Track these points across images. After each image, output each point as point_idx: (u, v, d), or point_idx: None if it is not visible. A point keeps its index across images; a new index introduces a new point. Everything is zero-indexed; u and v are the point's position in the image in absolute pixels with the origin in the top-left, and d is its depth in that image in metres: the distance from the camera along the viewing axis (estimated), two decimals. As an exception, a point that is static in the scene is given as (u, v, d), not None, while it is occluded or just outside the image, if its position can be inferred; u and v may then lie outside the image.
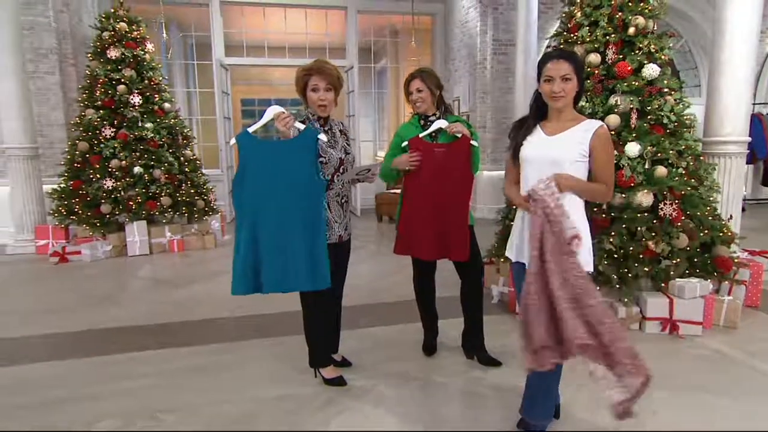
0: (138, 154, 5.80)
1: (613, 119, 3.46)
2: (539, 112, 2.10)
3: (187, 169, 6.20)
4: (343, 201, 2.61)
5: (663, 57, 3.53)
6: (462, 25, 8.28)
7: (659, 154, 3.41)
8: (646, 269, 3.29)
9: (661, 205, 3.35)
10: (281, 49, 9.13)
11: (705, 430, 2.22)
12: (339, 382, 2.66)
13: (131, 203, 5.72)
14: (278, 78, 12.07)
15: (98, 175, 5.70)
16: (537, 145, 2.05)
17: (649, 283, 3.46)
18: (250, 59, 9.07)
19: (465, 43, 8.21)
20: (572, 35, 3.73)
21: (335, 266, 2.54)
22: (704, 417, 2.35)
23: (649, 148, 3.39)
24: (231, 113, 8.38)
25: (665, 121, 3.43)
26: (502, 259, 3.91)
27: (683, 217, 3.37)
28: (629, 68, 3.47)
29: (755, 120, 7.78)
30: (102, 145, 5.74)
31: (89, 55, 5.99)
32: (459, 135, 2.67)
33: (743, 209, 8.08)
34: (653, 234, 3.32)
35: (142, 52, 6.03)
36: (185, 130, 6.42)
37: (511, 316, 3.63)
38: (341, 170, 2.54)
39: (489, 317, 3.47)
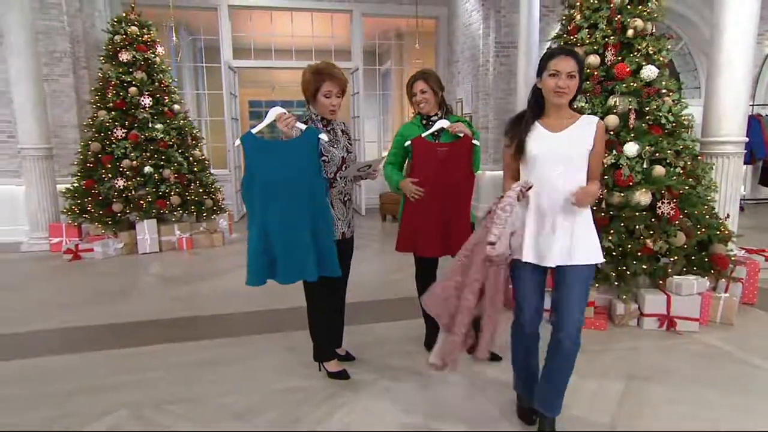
0: (148, 154, 5.84)
1: (612, 120, 3.46)
2: (537, 109, 2.07)
3: (195, 169, 6.24)
4: (345, 199, 2.63)
5: (661, 59, 3.53)
6: (465, 27, 8.28)
7: (657, 154, 3.42)
8: (644, 267, 3.29)
9: (659, 204, 3.35)
10: (288, 52, 9.17)
11: (700, 431, 2.21)
12: (342, 375, 2.69)
13: (142, 202, 5.77)
14: (285, 80, 12.13)
15: (110, 175, 5.75)
16: (545, 142, 2.00)
17: (647, 281, 3.47)
18: (258, 62, 9.11)
19: (468, 45, 8.22)
20: (572, 37, 3.73)
21: (339, 263, 2.57)
22: (700, 411, 2.36)
23: (647, 148, 3.40)
24: (239, 114, 8.42)
25: (663, 121, 3.44)
26: (503, 257, 3.91)
27: (681, 216, 3.38)
28: (628, 70, 3.47)
29: (754, 121, 7.74)
30: (114, 146, 5.79)
31: (101, 58, 6.04)
32: (461, 134, 2.68)
33: (742, 209, 8.06)
34: (651, 232, 3.32)
35: (153, 55, 6.06)
36: (194, 131, 6.46)
37: (512, 313, 3.63)
38: (343, 169, 2.57)
39: (490, 313, 3.49)
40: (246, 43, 8.89)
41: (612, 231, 3.35)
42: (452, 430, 2.23)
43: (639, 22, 3.47)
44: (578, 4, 3.73)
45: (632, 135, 3.44)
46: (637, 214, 3.34)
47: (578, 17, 3.70)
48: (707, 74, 4.14)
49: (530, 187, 1.98)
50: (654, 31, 3.64)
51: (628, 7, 3.54)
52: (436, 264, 2.96)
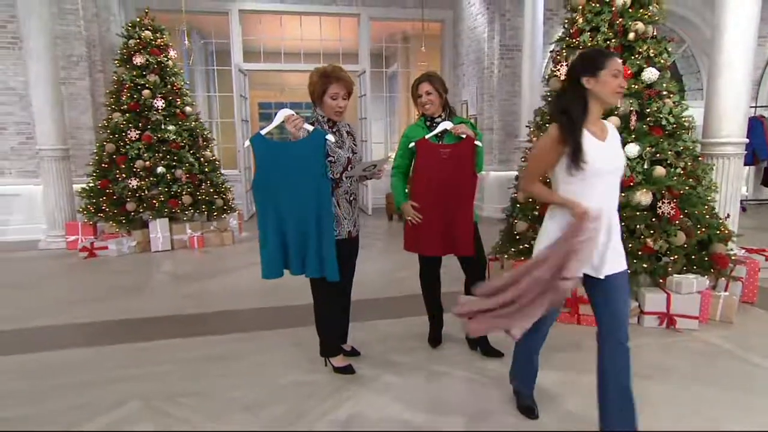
0: (161, 155, 5.91)
1: (614, 121, 3.45)
2: (586, 112, 1.88)
3: (206, 170, 6.29)
4: (351, 198, 2.65)
5: (662, 61, 3.52)
6: (470, 31, 8.28)
7: (658, 155, 3.41)
8: (644, 265, 3.29)
9: (660, 204, 3.34)
10: (296, 55, 9.21)
11: (699, 430, 2.21)
12: (348, 370, 2.71)
13: (154, 201, 5.83)
14: (294, 83, 12.17)
15: (124, 175, 5.82)
16: (600, 153, 1.86)
17: (648, 279, 3.46)
18: (267, 64, 9.17)
19: (473, 48, 8.22)
20: (574, 40, 3.73)
21: (345, 261, 2.59)
22: (699, 409, 2.35)
23: (648, 148, 3.39)
24: (249, 116, 8.48)
25: (664, 122, 3.43)
26: (506, 256, 3.92)
27: (681, 216, 3.37)
28: (629, 72, 3.46)
29: (757, 122, 7.68)
30: (127, 147, 5.85)
31: (116, 61, 6.12)
32: (464, 136, 2.70)
33: (743, 209, 7.99)
34: (652, 231, 3.31)
35: (166, 59, 6.13)
36: (205, 133, 6.52)
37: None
38: (349, 169, 2.59)
39: (492, 311, 3.50)
40: (256, 47, 8.94)
41: (613, 230, 3.34)
42: (454, 427, 2.24)
43: (640, 26, 3.47)
44: (580, 7, 3.72)
45: (633, 136, 3.43)
46: (637, 213, 3.33)
47: (580, 20, 3.69)
48: (708, 76, 4.11)
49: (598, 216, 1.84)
50: (655, 34, 3.64)
51: (630, 10, 3.53)
52: (439, 263, 2.98)
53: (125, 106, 5.90)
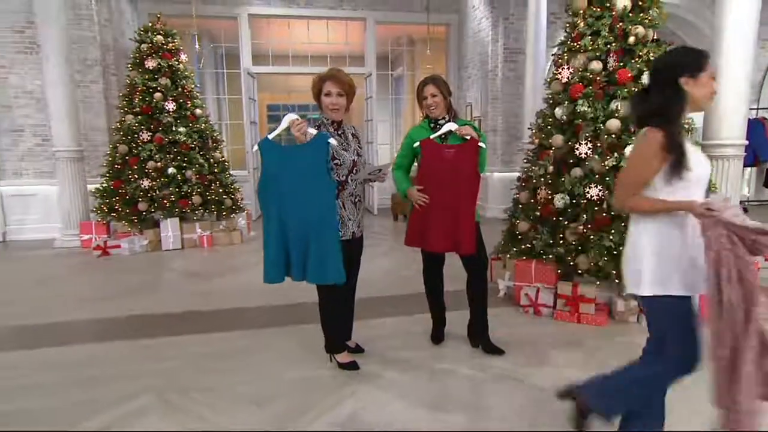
0: (172, 156, 5.98)
1: (614, 123, 3.47)
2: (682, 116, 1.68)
3: (216, 170, 6.36)
4: (356, 200, 2.68)
5: (662, 64, 3.52)
6: (475, 34, 8.29)
7: (658, 157, 3.41)
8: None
9: (659, 205, 3.34)
10: (304, 58, 9.26)
11: (697, 430, 2.21)
12: (352, 366, 2.74)
13: (165, 201, 5.90)
14: (301, 85, 12.22)
15: (136, 176, 5.89)
16: (697, 158, 1.67)
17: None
18: (275, 68, 9.22)
19: (477, 51, 8.23)
20: (575, 44, 3.74)
21: (348, 260, 2.62)
22: (696, 407, 2.36)
23: (647, 150, 3.39)
24: (257, 118, 8.55)
25: (663, 125, 3.43)
26: (508, 255, 3.94)
27: (680, 217, 3.37)
28: (629, 75, 3.47)
29: (759, 124, 7.63)
30: (140, 148, 5.93)
31: (129, 65, 6.19)
32: (468, 137, 2.71)
33: (745, 210, 7.93)
34: (651, 232, 3.31)
35: (177, 62, 6.20)
36: (215, 134, 6.59)
37: (515, 309, 3.66)
38: (354, 171, 2.62)
39: (495, 310, 3.52)
40: (264, 50, 9.00)
41: (613, 230, 3.35)
42: (456, 423, 2.27)
43: (640, 29, 3.47)
44: (581, 11, 3.73)
45: (633, 138, 3.44)
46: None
47: (581, 25, 3.70)
48: (708, 79, 4.10)
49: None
50: (655, 37, 3.64)
51: (630, 14, 3.54)
52: (442, 262, 3.00)
53: (138, 109, 5.97)
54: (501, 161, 7.90)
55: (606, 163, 3.43)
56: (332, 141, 2.44)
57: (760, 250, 1.51)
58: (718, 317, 1.55)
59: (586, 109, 3.57)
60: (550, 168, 3.72)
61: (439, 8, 8.52)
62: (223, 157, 6.71)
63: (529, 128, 4.31)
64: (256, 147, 2.45)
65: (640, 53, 3.48)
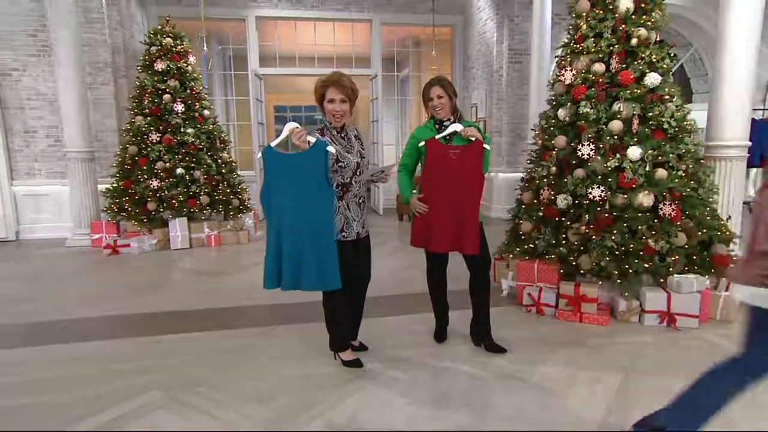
0: (180, 156, 6.04)
1: (616, 125, 3.48)
2: None
3: (223, 171, 6.42)
4: (360, 201, 2.71)
5: (664, 66, 3.52)
6: (480, 35, 8.30)
7: (660, 158, 3.42)
8: (646, 265, 3.30)
9: (661, 206, 3.35)
10: (310, 60, 9.30)
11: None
12: (356, 364, 2.77)
13: (174, 201, 5.96)
14: (308, 87, 12.25)
15: (145, 176, 5.96)
16: None
17: (650, 279, 3.47)
18: (282, 69, 9.27)
19: (482, 52, 8.23)
20: (578, 46, 3.75)
21: (359, 260, 2.66)
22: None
23: (650, 151, 3.40)
24: (264, 119, 8.60)
25: (666, 126, 3.43)
26: (511, 255, 3.96)
27: (682, 217, 3.37)
28: (632, 77, 3.48)
29: (765, 125, 7.56)
30: (149, 149, 6.00)
31: (139, 67, 6.27)
32: (473, 139, 2.73)
33: (751, 210, 7.87)
34: (653, 232, 3.32)
35: (185, 64, 6.26)
36: (222, 135, 6.65)
37: (518, 308, 3.68)
38: (358, 173, 2.65)
39: (498, 309, 3.55)
40: (271, 52, 9.05)
41: (615, 231, 3.36)
42: (458, 420, 2.29)
43: (643, 32, 3.47)
44: (584, 14, 3.74)
45: (635, 139, 3.45)
46: (639, 215, 3.35)
47: (584, 27, 3.71)
48: (711, 80, 4.10)
49: None
50: (657, 39, 3.64)
51: (633, 17, 3.54)
52: (446, 261, 3.02)
53: (147, 110, 6.04)
54: (506, 162, 7.90)
55: (608, 164, 3.43)
56: (331, 149, 2.44)
57: None
58: None
59: (588, 110, 3.57)
60: (553, 169, 3.73)
61: (445, 10, 8.53)
62: (230, 157, 6.77)
63: (532, 129, 4.33)
64: (259, 155, 2.48)
65: (643, 55, 3.49)
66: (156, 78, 6.07)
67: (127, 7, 6.99)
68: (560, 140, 3.71)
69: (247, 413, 2.33)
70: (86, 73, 6.33)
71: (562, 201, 3.61)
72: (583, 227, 3.46)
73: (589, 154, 3.53)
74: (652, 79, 3.44)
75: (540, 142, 3.98)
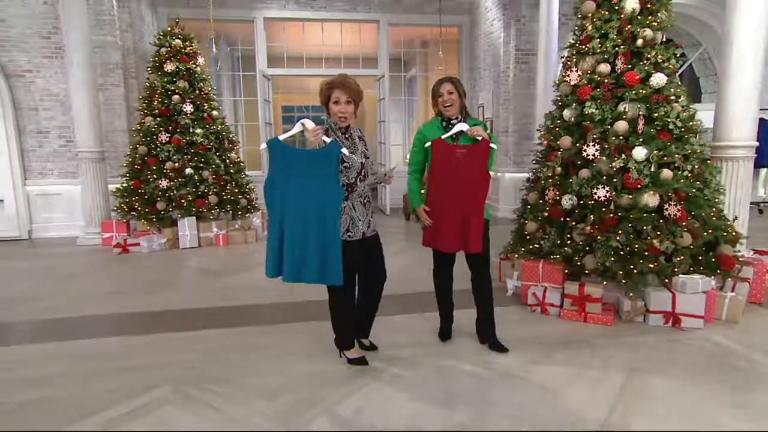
0: (189, 156, 6.11)
1: (622, 125, 3.48)
2: None
3: (232, 171, 6.48)
4: (365, 201, 2.74)
5: (670, 66, 3.52)
6: (486, 35, 8.30)
7: (666, 158, 3.42)
8: (651, 266, 3.30)
9: (666, 206, 3.35)
10: (318, 60, 9.36)
11: (697, 430, 2.22)
12: (361, 362, 2.81)
13: (183, 201, 6.03)
14: (315, 87, 12.31)
15: (155, 176, 6.04)
16: None
17: (656, 279, 3.47)
18: (290, 70, 9.34)
19: (489, 52, 8.24)
20: (584, 47, 3.76)
21: (372, 259, 2.71)
22: (699, 405, 2.38)
23: (655, 152, 3.41)
24: (272, 119, 8.67)
25: (671, 126, 3.43)
26: (516, 255, 3.97)
27: (688, 218, 3.37)
28: (637, 77, 3.48)
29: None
30: (158, 149, 6.07)
31: (149, 69, 6.36)
32: (479, 138, 2.75)
33: (761, 211, 7.82)
34: (658, 233, 3.33)
35: (194, 66, 6.34)
36: (231, 135, 6.71)
37: (523, 308, 3.70)
38: (362, 173, 2.68)
39: (503, 308, 3.58)
40: (279, 53, 9.12)
41: (620, 231, 3.36)
42: (460, 418, 2.32)
43: (648, 32, 3.48)
44: (590, 15, 3.75)
45: (641, 140, 3.45)
46: (644, 215, 3.35)
47: (590, 27, 3.72)
48: (718, 81, 4.09)
49: None
50: (664, 39, 3.64)
51: (638, 17, 3.54)
52: (453, 260, 3.03)
53: (156, 111, 6.12)
54: (512, 162, 7.90)
55: (613, 164, 3.44)
56: (344, 150, 2.48)
57: None
58: None
59: (594, 111, 3.58)
60: (558, 169, 3.75)
61: (452, 10, 8.55)
62: (238, 157, 6.83)
63: (538, 130, 4.34)
64: (264, 145, 2.49)
65: (649, 56, 3.49)
66: (165, 79, 6.15)
67: (137, 9, 7.08)
68: (565, 141, 3.73)
69: (254, 409, 2.38)
70: (97, 74, 6.43)
71: (568, 201, 3.62)
72: (588, 227, 3.47)
73: (594, 155, 3.54)
74: (658, 79, 3.44)
75: (545, 142, 4.00)
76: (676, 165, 3.43)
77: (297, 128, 2.51)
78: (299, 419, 2.29)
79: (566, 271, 3.60)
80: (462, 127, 2.78)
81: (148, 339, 3.26)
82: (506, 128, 7.90)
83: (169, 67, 6.14)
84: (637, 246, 3.32)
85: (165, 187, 6.01)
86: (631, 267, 3.32)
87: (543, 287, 3.61)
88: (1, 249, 6.19)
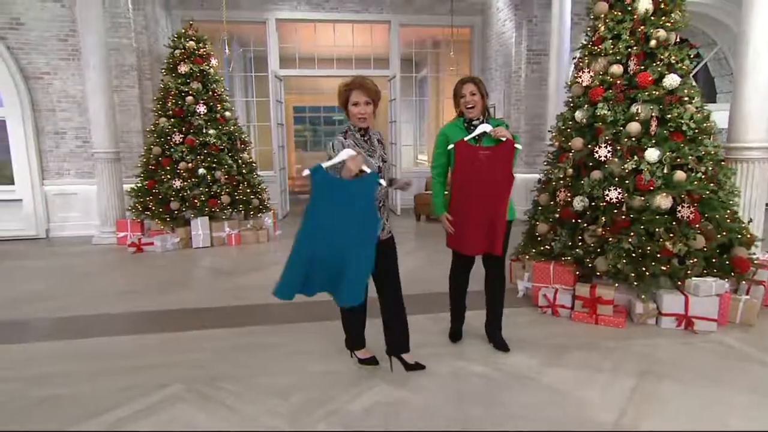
0: (202, 157, 6.18)
1: (634, 126, 3.46)
2: None
3: (244, 171, 6.54)
4: (380, 205, 2.72)
5: (684, 67, 3.49)
6: (498, 36, 8.27)
7: (679, 160, 3.39)
8: (663, 268, 3.27)
9: (679, 208, 3.32)
10: (329, 61, 9.40)
11: (708, 430, 2.21)
12: (372, 362, 2.83)
13: (196, 201, 6.10)
14: (327, 87, 12.39)
15: (168, 176, 6.11)
16: None
17: (668, 282, 3.43)
18: (302, 70, 9.39)
19: (501, 52, 8.21)
20: (596, 48, 3.74)
21: (386, 265, 2.67)
22: (710, 408, 2.36)
23: (668, 153, 3.38)
24: (284, 120, 8.72)
25: (685, 128, 3.40)
26: (527, 257, 3.96)
27: (702, 220, 3.34)
28: (650, 78, 3.45)
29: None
30: (172, 150, 6.15)
31: (163, 70, 6.44)
32: (503, 139, 2.73)
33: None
34: (671, 235, 3.30)
35: (208, 67, 6.40)
36: (243, 136, 6.77)
37: (534, 309, 3.69)
38: (381, 180, 2.64)
39: (514, 310, 3.58)
40: (291, 54, 9.18)
41: (632, 233, 3.34)
42: (470, 417, 2.33)
43: (662, 33, 3.45)
44: (602, 15, 3.72)
45: (653, 141, 3.42)
46: (657, 217, 3.32)
47: (602, 28, 3.69)
48: (734, 81, 4.04)
49: None
50: (679, 39, 3.60)
51: (652, 18, 3.51)
52: (473, 263, 3.01)
53: (170, 112, 6.20)
54: (524, 162, 7.86)
55: (626, 166, 3.42)
56: (382, 182, 2.46)
57: None
58: None
59: (606, 112, 3.56)
60: (570, 170, 3.73)
61: (463, 10, 8.53)
62: (250, 158, 6.89)
63: (549, 131, 4.32)
64: (307, 171, 2.43)
65: (662, 56, 3.46)
66: (179, 80, 6.22)
67: (152, 12, 7.17)
68: (577, 142, 3.71)
69: (266, 408, 2.41)
70: (113, 76, 6.53)
71: (579, 203, 3.60)
72: (600, 229, 3.45)
73: (606, 156, 3.52)
74: (671, 80, 3.41)
75: (557, 143, 3.98)
76: (689, 167, 3.40)
77: (341, 156, 2.42)
78: (310, 418, 2.32)
79: (577, 272, 3.58)
80: (485, 128, 2.75)
81: (161, 338, 3.31)
82: (517, 129, 7.86)
83: (183, 68, 6.21)
84: (649, 248, 3.29)
85: (178, 187, 6.08)
86: (643, 269, 3.29)
87: (554, 289, 3.60)
88: (19, 248, 6.31)
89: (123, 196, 6.44)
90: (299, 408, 2.40)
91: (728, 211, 3.48)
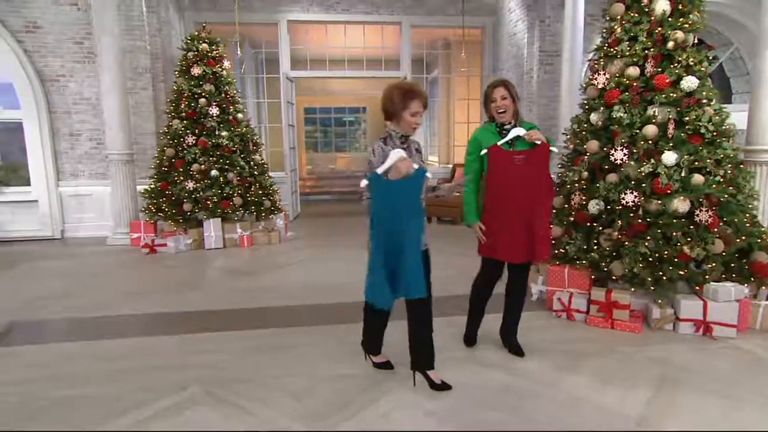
0: (215, 159, 6.22)
1: (651, 129, 3.43)
2: None
3: (256, 172, 6.58)
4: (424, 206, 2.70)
5: (702, 69, 3.45)
6: (510, 37, 8.23)
7: (697, 163, 3.35)
8: (680, 272, 3.24)
9: (697, 212, 3.28)
10: (341, 62, 9.42)
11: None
12: (387, 366, 2.83)
13: (208, 202, 6.13)
14: (337, 88, 12.41)
15: (182, 178, 6.16)
16: None
17: (686, 287, 3.40)
18: (313, 72, 9.41)
19: (513, 54, 8.17)
20: (612, 49, 3.71)
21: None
22: (729, 415, 2.33)
23: (686, 156, 3.34)
24: (295, 121, 8.75)
25: (703, 131, 3.36)
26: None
27: (720, 224, 3.29)
28: (668, 80, 3.42)
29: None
30: (185, 151, 6.20)
31: (176, 72, 6.49)
32: (538, 142, 2.68)
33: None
34: (689, 239, 3.26)
35: (220, 69, 6.45)
36: (255, 137, 6.81)
37: (548, 313, 3.66)
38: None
39: (528, 314, 3.55)
40: (302, 55, 9.20)
41: (649, 237, 3.31)
42: (485, 422, 2.32)
43: (680, 35, 3.41)
44: (619, 17, 3.69)
45: (671, 144, 3.39)
46: (674, 221, 3.29)
47: (618, 30, 3.66)
48: (752, 83, 3.98)
49: None
50: (696, 40, 3.56)
51: (669, 19, 3.48)
52: (502, 270, 2.94)
53: (183, 114, 6.25)
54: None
55: (642, 169, 3.39)
56: (428, 175, 2.47)
57: None
58: None
59: (622, 115, 3.53)
60: (585, 174, 3.70)
61: (475, 11, 8.50)
62: (262, 159, 6.93)
63: (563, 133, 4.29)
64: (365, 182, 2.44)
65: (680, 58, 3.42)
66: (192, 83, 6.27)
67: (165, 14, 7.24)
68: (592, 145, 3.68)
69: (282, 410, 2.42)
70: (127, 78, 6.59)
71: (594, 206, 3.58)
72: (616, 233, 3.42)
73: (622, 159, 3.49)
74: (689, 82, 3.37)
75: (572, 146, 3.95)
76: (707, 170, 3.36)
77: (391, 160, 2.41)
78: (326, 421, 2.32)
79: (593, 276, 3.56)
80: (518, 131, 2.69)
81: (176, 339, 3.33)
82: (529, 130, 7.82)
83: (196, 70, 6.26)
84: (666, 252, 3.26)
85: (191, 189, 6.12)
86: (660, 274, 3.26)
87: (569, 293, 3.57)
88: (35, 248, 6.40)
89: (136, 197, 6.50)
90: (314, 411, 2.41)
91: (747, 215, 3.43)
